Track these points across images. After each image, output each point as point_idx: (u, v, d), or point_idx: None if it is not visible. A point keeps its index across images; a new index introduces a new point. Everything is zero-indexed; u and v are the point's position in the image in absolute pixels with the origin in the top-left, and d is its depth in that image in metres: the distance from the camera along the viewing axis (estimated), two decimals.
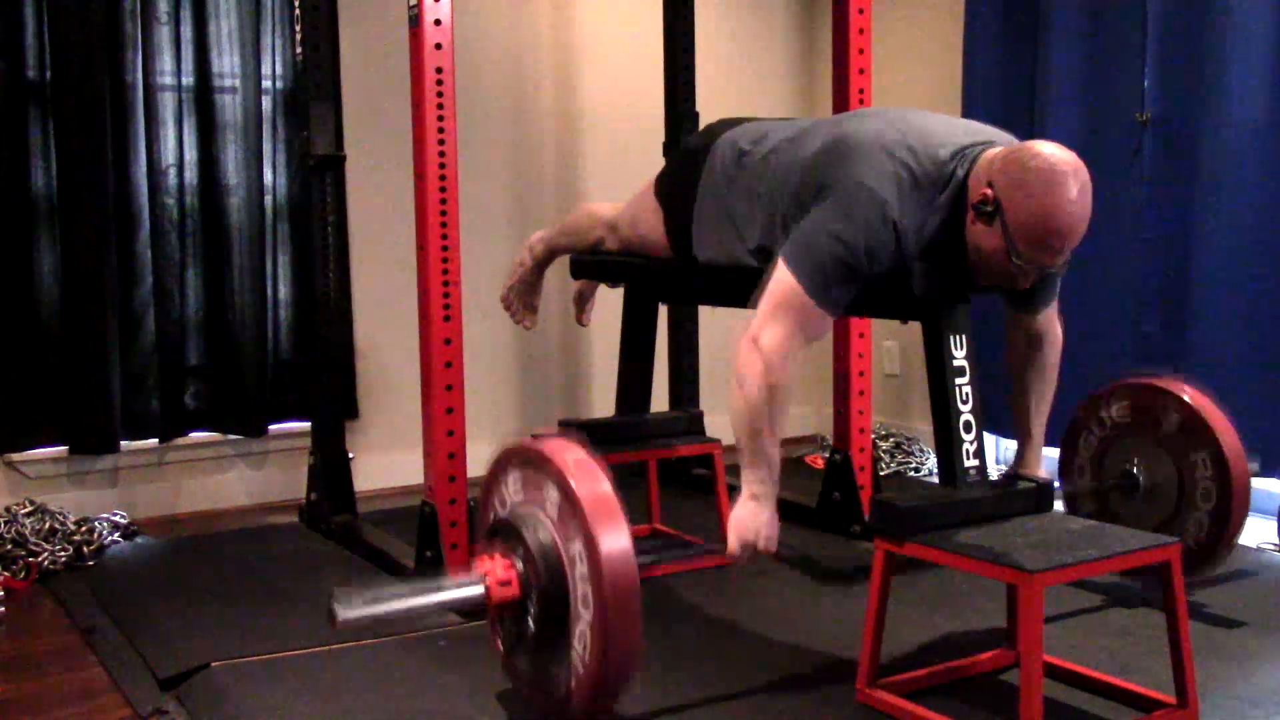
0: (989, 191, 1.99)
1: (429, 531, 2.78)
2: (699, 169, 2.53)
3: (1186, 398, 2.60)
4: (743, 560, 2.13)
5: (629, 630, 1.79)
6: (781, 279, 2.09)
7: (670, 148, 3.90)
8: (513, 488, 2.00)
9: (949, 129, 2.15)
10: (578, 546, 1.81)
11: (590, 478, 1.85)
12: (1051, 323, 2.35)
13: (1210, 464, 2.54)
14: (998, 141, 2.13)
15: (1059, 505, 2.47)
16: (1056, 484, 2.53)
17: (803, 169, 2.23)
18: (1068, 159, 1.97)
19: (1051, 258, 1.99)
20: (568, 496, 1.83)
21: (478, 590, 1.89)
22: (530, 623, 1.90)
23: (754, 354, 2.07)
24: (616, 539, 1.78)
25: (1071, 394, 2.97)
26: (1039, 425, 2.39)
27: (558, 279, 3.36)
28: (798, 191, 2.22)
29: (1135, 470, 2.67)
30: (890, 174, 2.06)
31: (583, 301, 3.24)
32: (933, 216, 2.07)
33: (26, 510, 3.25)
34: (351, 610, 1.81)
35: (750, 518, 2.11)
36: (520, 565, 1.90)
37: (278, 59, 3.82)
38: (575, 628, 1.84)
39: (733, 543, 2.11)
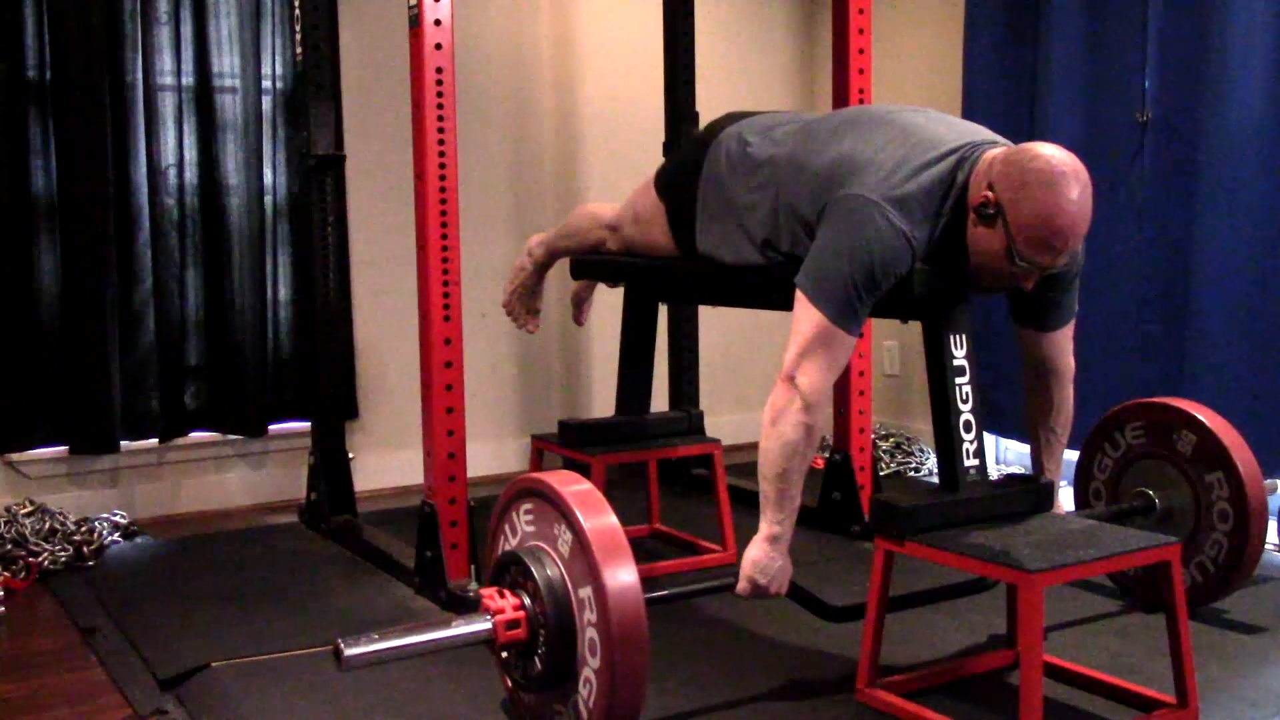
0: (990, 194, 1.99)
1: (429, 531, 2.78)
2: (702, 161, 2.52)
3: (1202, 419, 2.56)
4: (750, 598, 2.16)
5: (635, 680, 1.78)
6: (806, 314, 2.07)
7: (670, 148, 3.90)
8: (525, 520, 1.98)
9: (947, 131, 2.15)
10: (587, 591, 1.79)
11: (600, 517, 1.83)
12: (1063, 353, 2.31)
13: (1227, 485, 2.51)
14: (995, 142, 2.13)
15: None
16: (1071, 509, 2.52)
17: (809, 182, 2.22)
18: (1067, 160, 1.97)
19: (1053, 258, 1.99)
20: (579, 536, 1.81)
21: (485, 627, 1.87)
22: (537, 662, 1.88)
23: (792, 394, 2.07)
24: (626, 585, 1.76)
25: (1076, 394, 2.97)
26: (1053, 469, 2.38)
27: (557, 279, 3.36)
28: (803, 204, 2.23)
29: (1151, 493, 2.63)
30: (895, 191, 2.05)
31: (580, 302, 3.24)
32: (937, 224, 2.08)
33: (26, 510, 3.25)
34: (358, 648, 1.81)
35: (766, 560, 2.13)
36: (528, 603, 1.88)
37: (278, 59, 3.82)
38: (581, 671, 1.82)
39: (744, 584, 2.13)
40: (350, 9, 3.78)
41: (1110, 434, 2.74)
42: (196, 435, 3.80)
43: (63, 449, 3.57)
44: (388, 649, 1.84)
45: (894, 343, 4.57)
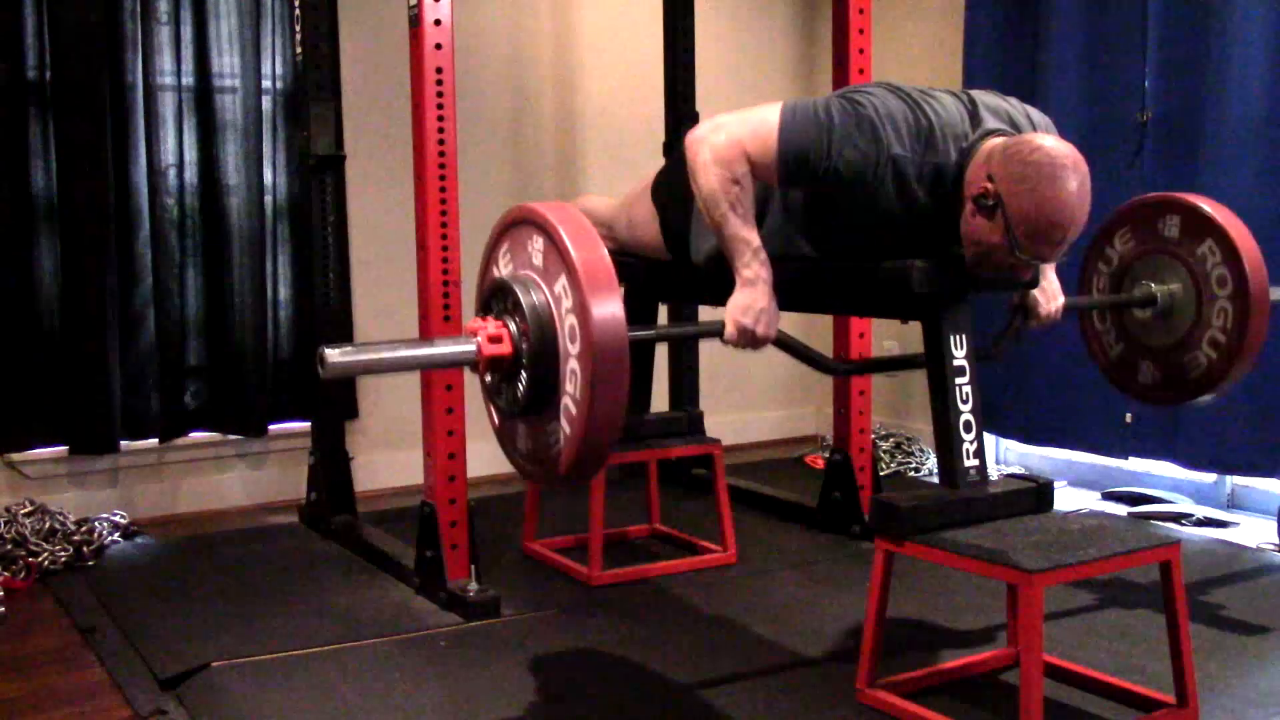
0: (989, 185, 1.98)
1: (429, 531, 2.78)
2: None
3: (1183, 199, 2.57)
4: (740, 345, 2.11)
5: (617, 374, 1.73)
6: (766, 116, 2.08)
7: (670, 148, 3.90)
8: (503, 259, 1.96)
9: (954, 110, 2.14)
10: (562, 283, 1.76)
11: (575, 228, 1.79)
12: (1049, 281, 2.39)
13: (1218, 249, 2.50)
14: (991, 122, 2.12)
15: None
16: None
17: None
18: (1066, 151, 1.97)
19: (1052, 250, 1.99)
20: (551, 240, 1.78)
21: (469, 348, 1.84)
22: (522, 383, 1.85)
23: (704, 149, 2.07)
24: (600, 273, 1.73)
25: (1085, 383, 2.97)
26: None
27: None
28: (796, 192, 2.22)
29: (1151, 285, 2.62)
30: (899, 108, 2.06)
31: None
32: (927, 174, 2.06)
33: (26, 510, 3.25)
34: (342, 355, 1.76)
35: (748, 302, 2.09)
36: (512, 325, 1.85)
37: (278, 59, 3.82)
38: (565, 367, 1.79)
39: (730, 329, 2.09)
40: (350, 9, 3.77)
41: (1102, 250, 2.73)
42: (196, 435, 3.80)
43: (63, 449, 3.57)
44: (371, 359, 1.81)
45: (894, 343, 4.57)
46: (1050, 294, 2.40)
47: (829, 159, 2.04)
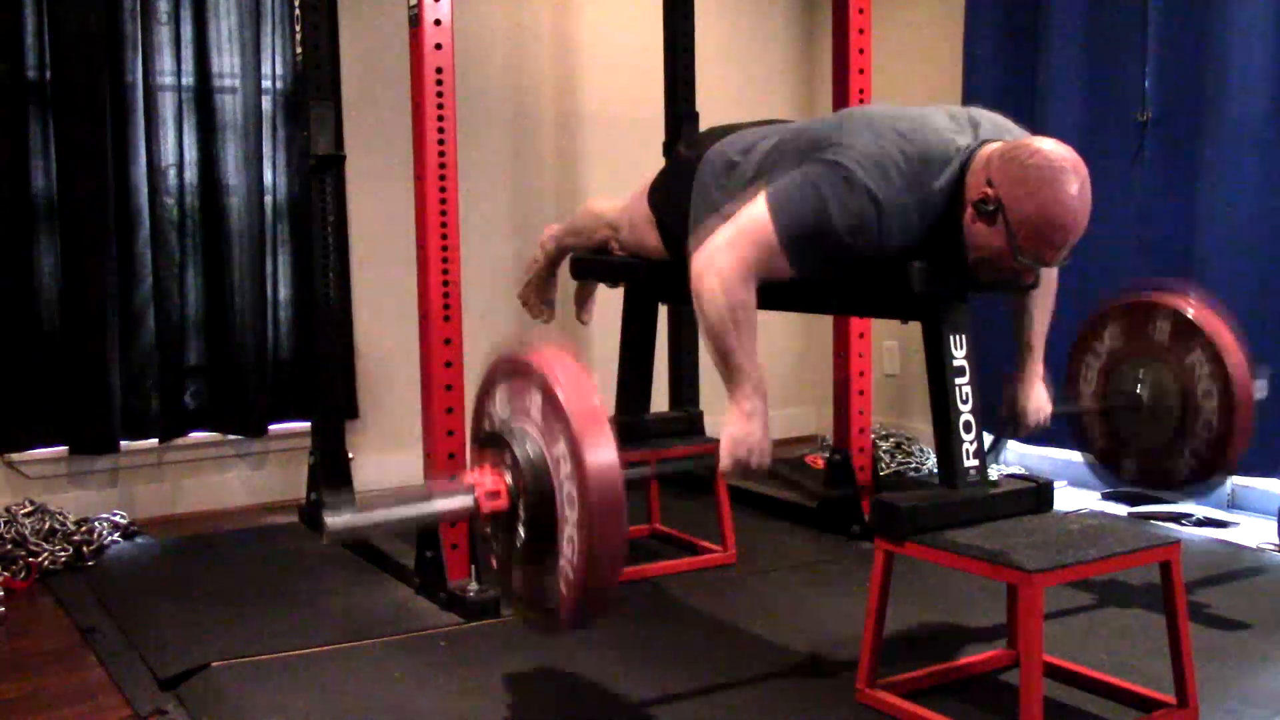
0: (989, 190, 1.99)
1: (429, 531, 2.78)
2: (690, 180, 2.52)
3: (1174, 305, 2.57)
4: (735, 476, 2.13)
5: (614, 524, 1.74)
6: (756, 214, 2.08)
7: (670, 148, 3.90)
8: (500, 400, 1.97)
9: (944, 121, 2.14)
10: (561, 448, 1.77)
11: (572, 380, 1.80)
12: (1048, 291, 2.40)
13: (1207, 361, 2.51)
14: (990, 131, 2.12)
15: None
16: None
17: (794, 155, 2.21)
18: (1066, 154, 1.97)
19: (1054, 254, 1.99)
20: (550, 400, 1.79)
21: (467, 501, 1.86)
22: (520, 530, 1.86)
23: (710, 276, 2.07)
24: (599, 438, 1.74)
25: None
26: (1039, 336, 2.42)
27: (560, 278, 3.35)
28: (788, 157, 2.22)
29: (1137, 388, 2.63)
30: (882, 152, 2.05)
31: (583, 300, 3.24)
32: (928, 202, 2.06)
33: (26, 510, 3.25)
34: (341, 519, 1.77)
35: (743, 434, 2.10)
36: (509, 476, 1.86)
37: (278, 59, 3.82)
38: (563, 531, 1.80)
39: (725, 460, 2.11)
40: (350, 9, 3.77)
41: (1090, 344, 2.74)
42: (196, 435, 3.80)
43: (63, 449, 3.57)
44: (371, 522, 1.82)
45: (894, 343, 4.57)
46: (1038, 404, 2.44)
47: (829, 226, 2.04)
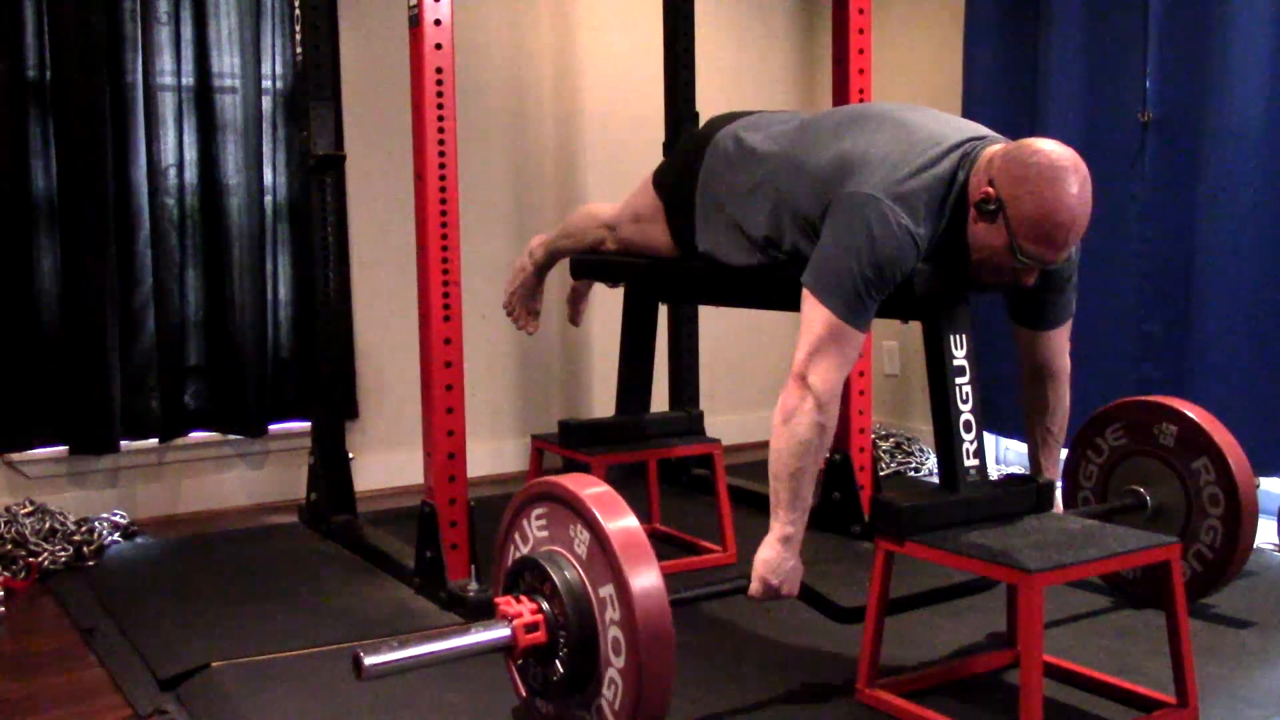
0: (990, 190, 1.99)
1: (429, 531, 2.78)
2: (700, 160, 2.52)
3: (1181, 409, 2.58)
4: (761, 601, 2.14)
5: (663, 676, 1.74)
6: (814, 313, 2.07)
7: (670, 147, 3.90)
8: (536, 525, 1.95)
9: (947, 128, 2.15)
10: (608, 590, 1.76)
11: (620, 517, 1.79)
12: (1060, 353, 2.33)
13: (1213, 469, 2.53)
14: (995, 139, 2.13)
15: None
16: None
17: (810, 180, 2.22)
18: (1066, 154, 1.98)
19: (1054, 253, 2.00)
20: (598, 536, 1.78)
21: (504, 635, 1.83)
22: (558, 666, 1.84)
23: (804, 393, 2.05)
24: (650, 581, 1.73)
25: (1074, 398, 2.97)
26: (1051, 468, 2.39)
27: (558, 279, 3.36)
28: (805, 202, 2.23)
29: (1141, 490, 2.64)
30: (899, 188, 2.05)
31: (576, 301, 3.23)
32: (940, 221, 2.08)
33: (26, 510, 3.25)
34: (378, 657, 1.76)
35: (778, 561, 2.10)
36: (547, 607, 1.85)
37: (278, 59, 3.82)
38: (605, 673, 1.79)
39: (756, 585, 2.11)
40: (350, 9, 3.78)
41: (1092, 440, 2.75)
42: (196, 435, 3.80)
43: (63, 449, 3.57)
44: (407, 658, 1.80)
45: (894, 343, 4.57)
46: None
47: (882, 280, 2.04)
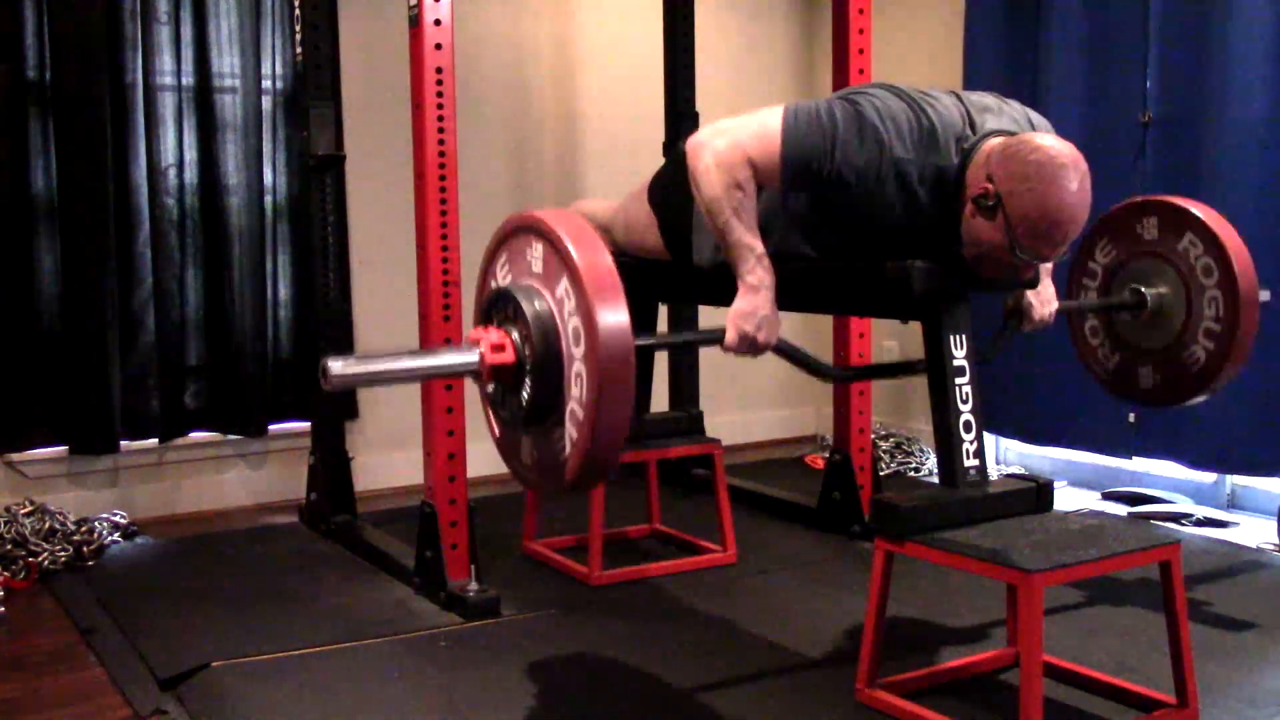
0: (989, 186, 1.98)
1: (429, 531, 2.78)
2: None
3: (1155, 200, 2.58)
4: (741, 352, 2.08)
5: (620, 414, 1.71)
6: (769, 121, 2.07)
7: (670, 147, 3.90)
8: (503, 265, 1.94)
9: (948, 112, 2.14)
10: (576, 322, 1.74)
11: (576, 232, 1.77)
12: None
13: (1199, 241, 2.51)
14: (994, 123, 2.12)
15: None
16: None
17: None
18: (1066, 150, 1.97)
19: (1053, 250, 1.99)
20: (556, 251, 1.76)
21: (472, 357, 1.82)
22: (526, 390, 1.82)
23: (707, 154, 2.05)
24: (615, 317, 1.70)
25: (1087, 382, 2.97)
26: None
27: None
28: (795, 198, 2.22)
29: (1139, 288, 2.62)
30: (900, 109, 2.06)
31: None
32: (929, 177, 2.06)
33: (26, 510, 3.25)
34: (345, 367, 1.73)
35: (750, 307, 2.06)
36: (515, 333, 1.84)
37: (278, 59, 3.82)
38: (570, 391, 1.77)
39: (731, 335, 2.07)
40: (350, 9, 3.78)
41: (1085, 266, 2.74)
42: (196, 435, 3.80)
43: (63, 449, 3.57)
44: (374, 370, 1.80)
45: (894, 343, 4.57)
46: (1045, 298, 2.41)
47: (832, 162, 2.03)
